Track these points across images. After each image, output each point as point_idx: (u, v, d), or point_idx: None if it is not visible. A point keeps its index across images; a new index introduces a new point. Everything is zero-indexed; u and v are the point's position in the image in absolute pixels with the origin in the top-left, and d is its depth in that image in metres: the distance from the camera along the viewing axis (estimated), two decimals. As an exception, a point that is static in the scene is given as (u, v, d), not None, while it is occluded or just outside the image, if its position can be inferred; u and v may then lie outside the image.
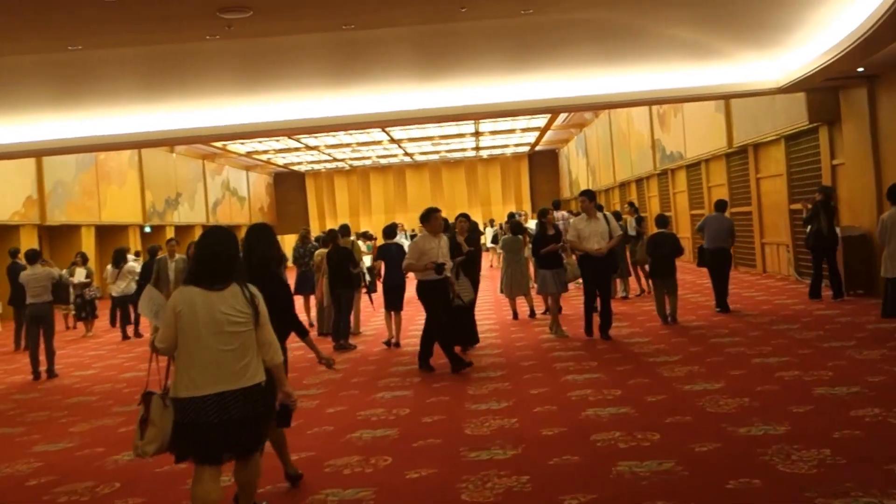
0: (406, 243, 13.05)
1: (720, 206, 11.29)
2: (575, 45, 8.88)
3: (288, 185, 42.41)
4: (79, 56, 7.92)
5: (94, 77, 8.79)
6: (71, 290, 13.32)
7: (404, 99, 9.00)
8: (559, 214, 14.15)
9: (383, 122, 9.69)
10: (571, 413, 6.02)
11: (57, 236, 22.80)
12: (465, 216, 10.29)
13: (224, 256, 3.81)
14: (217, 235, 3.94)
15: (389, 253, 10.36)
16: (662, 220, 10.66)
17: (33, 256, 10.11)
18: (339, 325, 10.35)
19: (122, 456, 5.83)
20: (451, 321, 8.16)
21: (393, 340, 10.15)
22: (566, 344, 9.19)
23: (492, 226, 27.45)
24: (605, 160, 28.62)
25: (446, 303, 8.13)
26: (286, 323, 4.68)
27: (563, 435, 5.46)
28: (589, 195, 9.49)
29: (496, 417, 6.06)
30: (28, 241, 20.72)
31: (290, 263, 14.56)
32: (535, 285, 10.46)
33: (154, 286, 10.25)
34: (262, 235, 4.77)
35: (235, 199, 36.95)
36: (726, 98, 13.05)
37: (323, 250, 11.20)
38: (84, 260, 14.71)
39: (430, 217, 8.25)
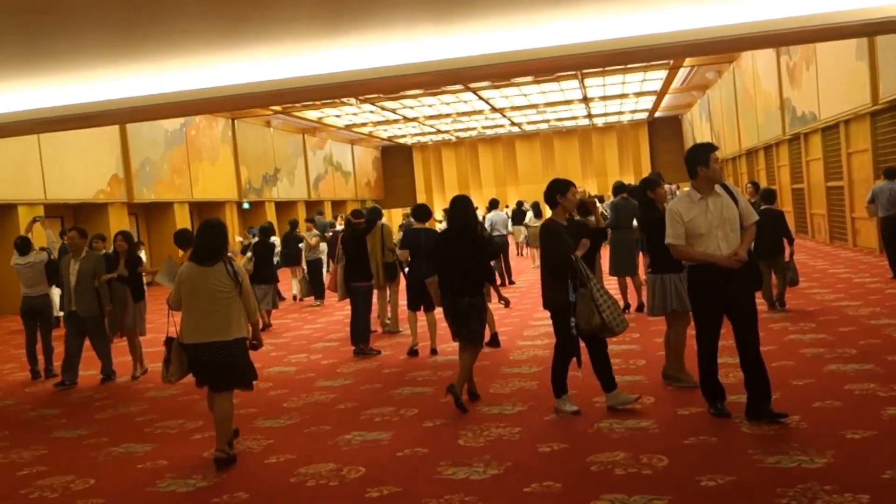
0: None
1: (890, 173, 10.47)
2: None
3: (395, 158, 41.27)
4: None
5: (56, 33, 7.38)
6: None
7: (417, 49, 7.01)
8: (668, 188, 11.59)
9: (385, 82, 7.69)
10: (578, 501, 3.97)
11: (152, 214, 22.52)
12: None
13: (212, 242, 5.06)
14: (208, 227, 5.15)
15: (417, 240, 8.41)
16: (770, 196, 8.54)
17: (23, 246, 8.95)
18: (357, 327, 8.57)
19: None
20: None
21: (416, 347, 8.29)
22: (630, 359, 6.99)
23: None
24: (730, 125, 25.31)
25: None
26: (486, 271, 5.98)
27: (544, 552, 3.45)
28: (697, 155, 5.06)
29: (465, 498, 4.11)
30: (117, 220, 20.39)
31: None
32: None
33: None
34: (461, 204, 5.95)
35: (339, 173, 36.07)
36: (863, 32, 9.75)
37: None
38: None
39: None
